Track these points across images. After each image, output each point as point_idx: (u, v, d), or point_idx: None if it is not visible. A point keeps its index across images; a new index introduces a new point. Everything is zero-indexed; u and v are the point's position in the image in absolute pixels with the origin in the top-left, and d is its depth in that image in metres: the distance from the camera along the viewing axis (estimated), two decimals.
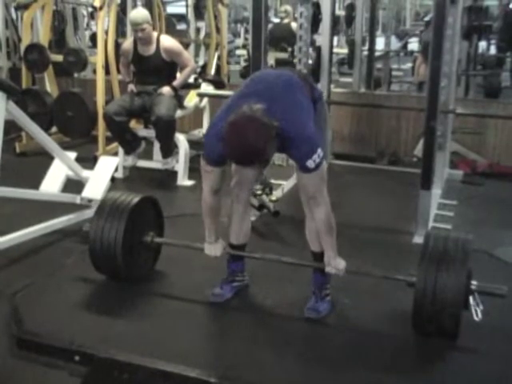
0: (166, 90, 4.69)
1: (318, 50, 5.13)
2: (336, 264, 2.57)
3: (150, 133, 4.77)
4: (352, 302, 2.82)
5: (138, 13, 4.68)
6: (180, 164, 4.78)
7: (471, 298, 2.42)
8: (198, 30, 7.30)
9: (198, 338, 2.57)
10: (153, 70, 4.72)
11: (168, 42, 4.73)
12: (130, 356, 2.33)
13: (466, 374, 2.34)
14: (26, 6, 5.52)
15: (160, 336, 2.54)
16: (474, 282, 2.44)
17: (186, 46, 6.37)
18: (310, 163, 2.32)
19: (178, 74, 4.86)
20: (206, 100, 5.44)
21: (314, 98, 2.55)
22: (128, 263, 2.86)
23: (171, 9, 10.14)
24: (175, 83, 4.76)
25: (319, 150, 2.33)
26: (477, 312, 2.41)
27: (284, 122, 2.27)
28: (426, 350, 2.47)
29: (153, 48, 4.68)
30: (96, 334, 2.54)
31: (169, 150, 4.74)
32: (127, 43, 4.86)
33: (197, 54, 7.19)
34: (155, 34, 4.75)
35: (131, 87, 4.82)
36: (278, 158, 4.63)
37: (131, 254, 2.88)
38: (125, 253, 2.82)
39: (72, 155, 3.79)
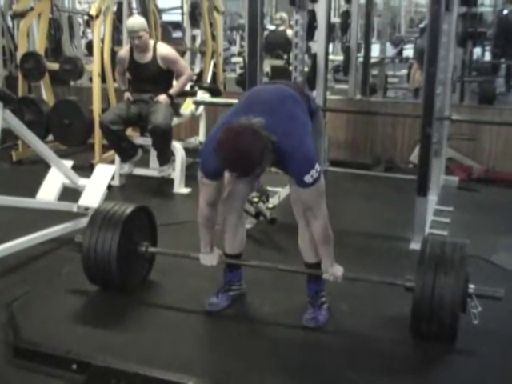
0: (162, 98, 4.70)
1: (313, 57, 5.14)
2: (334, 271, 2.56)
3: (147, 141, 4.78)
4: (350, 308, 2.83)
5: (135, 20, 4.70)
6: (176, 172, 4.78)
7: (469, 301, 2.43)
8: (193, 38, 7.31)
9: (194, 347, 2.57)
10: (149, 77, 4.72)
11: (164, 49, 4.74)
12: (128, 364, 2.32)
13: (464, 377, 2.35)
14: (22, 15, 5.52)
15: (156, 345, 2.53)
16: (471, 286, 2.45)
17: (182, 53, 6.38)
18: (308, 178, 2.31)
19: (175, 82, 4.86)
20: (202, 108, 5.44)
21: (310, 111, 2.53)
22: (122, 274, 2.84)
23: (167, 17, 10.18)
24: (171, 91, 4.76)
25: (317, 165, 2.32)
26: (475, 315, 2.41)
27: (281, 137, 2.25)
28: (425, 354, 2.48)
29: (149, 56, 4.69)
30: (93, 342, 2.53)
31: (165, 157, 4.74)
32: (123, 51, 4.87)
33: (193, 62, 7.19)
34: (152, 41, 4.76)
35: (127, 95, 4.82)
36: None
37: (125, 265, 2.85)
38: (119, 263, 2.79)
39: (68, 163, 3.79)
